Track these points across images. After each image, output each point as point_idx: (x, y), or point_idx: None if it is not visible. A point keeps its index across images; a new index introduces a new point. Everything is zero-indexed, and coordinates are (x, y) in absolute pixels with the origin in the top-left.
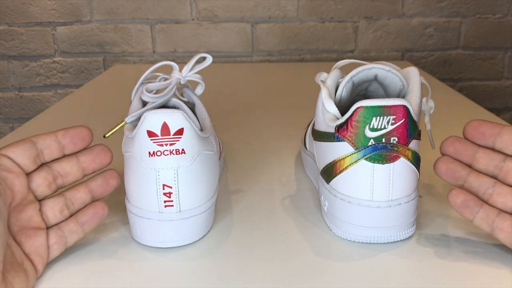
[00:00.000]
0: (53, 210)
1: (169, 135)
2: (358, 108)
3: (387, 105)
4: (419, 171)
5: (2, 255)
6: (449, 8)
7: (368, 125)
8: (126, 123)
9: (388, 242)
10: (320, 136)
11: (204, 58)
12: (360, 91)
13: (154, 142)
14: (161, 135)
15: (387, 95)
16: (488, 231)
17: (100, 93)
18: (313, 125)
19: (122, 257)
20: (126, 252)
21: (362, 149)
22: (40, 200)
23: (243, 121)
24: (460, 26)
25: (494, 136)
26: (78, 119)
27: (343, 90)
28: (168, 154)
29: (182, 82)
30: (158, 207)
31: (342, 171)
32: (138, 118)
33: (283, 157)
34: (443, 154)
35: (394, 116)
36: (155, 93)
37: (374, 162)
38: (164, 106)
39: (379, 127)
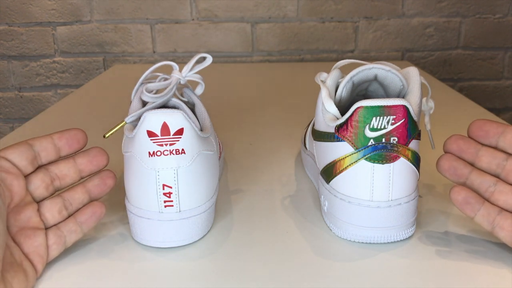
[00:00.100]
0: (52, 210)
1: (169, 135)
2: (358, 108)
3: (387, 105)
4: (419, 171)
5: (1, 255)
6: (449, 8)
7: (368, 125)
8: (126, 123)
9: (388, 242)
10: (320, 136)
11: (204, 58)
12: (360, 91)
13: (154, 142)
14: (161, 135)
15: (387, 95)
16: (488, 229)
17: (100, 93)
18: (313, 125)
19: (122, 257)
20: (126, 252)
21: (362, 149)
22: (38, 202)
23: (243, 121)
24: (460, 26)
25: (498, 135)
26: (78, 119)
27: (343, 90)
28: (168, 154)
29: (182, 82)
30: (158, 207)
31: (342, 171)
32: (138, 118)
33: (283, 157)
34: (446, 152)
35: (394, 116)
36: (155, 93)
37: (374, 162)
38: (164, 106)
39: (379, 127)
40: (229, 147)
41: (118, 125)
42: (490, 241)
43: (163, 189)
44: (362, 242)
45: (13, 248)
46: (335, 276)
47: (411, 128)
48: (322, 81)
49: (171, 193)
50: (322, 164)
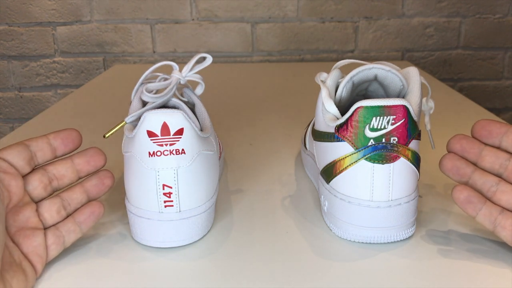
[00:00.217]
0: (50, 211)
1: (169, 135)
2: (358, 108)
3: (387, 105)
4: (419, 171)
5: (0, 255)
6: (449, 8)
7: (368, 125)
8: (126, 123)
9: (388, 242)
10: (320, 136)
11: (204, 58)
12: (360, 91)
13: (154, 142)
14: (161, 135)
15: (387, 95)
16: (490, 228)
17: (100, 93)
18: (313, 125)
19: (121, 257)
20: (125, 252)
21: (362, 149)
22: (36, 202)
23: (243, 121)
24: (460, 26)
25: (501, 135)
26: (78, 119)
27: (343, 90)
28: (168, 154)
29: (182, 82)
30: (158, 207)
31: (342, 171)
32: (138, 118)
33: (283, 157)
34: (449, 152)
35: (394, 116)
36: (155, 93)
37: (374, 162)
38: (164, 106)
39: (379, 127)
40: (229, 147)
41: (118, 125)
42: (491, 241)
43: (163, 189)
44: (362, 242)
45: (12, 248)
46: (335, 276)
47: (411, 128)
48: (322, 81)
49: (171, 193)
50: (322, 164)
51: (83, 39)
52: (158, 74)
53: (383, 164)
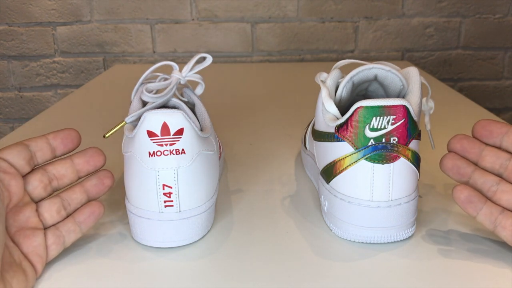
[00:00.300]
0: (50, 210)
1: (169, 135)
2: (358, 108)
3: (387, 105)
4: (419, 171)
5: (0, 255)
6: (449, 8)
7: (368, 125)
8: (126, 123)
9: (388, 242)
10: (320, 136)
11: (204, 58)
12: (360, 91)
13: (154, 142)
14: (161, 135)
15: (387, 95)
16: (490, 228)
17: (100, 93)
18: (313, 125)
19: (121, 257)
20: (125, 252)
21: (362, 149)
22: (36, 202)
23: (243, 121)
24: (460, 26)
25: (502, 135)
26: (78, 119)
27: (343, 90)
28: (168, 154)
29: (182, 82)
30: (158, 207)
31: (342, 171)
32: (138, 118)
33: (283, 157)
34: (449, 151)
35: (394, 116)
36: (155, 93)
37: (374, 162)
38: (164, 106)
39: (379, 127)
40: (229, 147)
41: (118, 125)
42: (491, 241)
43: (163, 189)
44: (362, 242)
45: (12, 248)
46: (335, 276)
47: (411, 128)
48: (322, 81)
49: (171, 193)
50: (322, 164)
51: (83, 39)
52: (158, 74)
53: (383, 164)
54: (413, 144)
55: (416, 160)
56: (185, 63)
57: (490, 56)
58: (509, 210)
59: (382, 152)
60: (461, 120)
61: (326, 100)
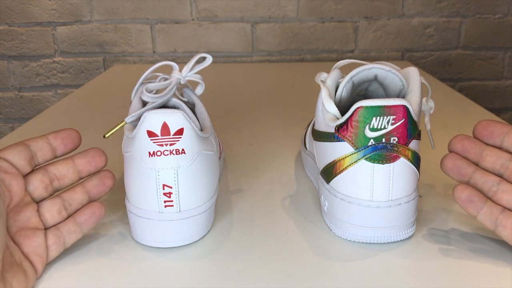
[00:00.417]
0: (51, 211)
1: (169, 135)
2: (358, 108)
3: (387, 105)
4: (419, 171)
5: (1, 255)
6: (449, 8)
7: (368, 125)
8: (126, 123)
9: (388, 242)
10: (320, 136)
11: (204, 58)
12: (360, 91)
13: (154, 142)
14: (161, 135)
15: (387, 95)
16: (491, 228)
17: (100, 93)
18: (313, 125)
19: (121, 257)
20: (126, 252)
21: (362, 149)
22: (37, 202)
23: (243, 121)
24: (460, 26)
25: (502, 135)
26: (78, 119)
27: (343, 90)
28: (168, 154)
29: (182, 82)
30: (158, 207)
31: (342, 171)
32: (138, 118)
33: (283, 157)
34: (450, 151)
35: (394, 116)
36: (155, 93)
37: (374, 162)
38: (164, 106)
39: (379, 127)
40: (229, 147)
41: (118, 125)
42: (492, 240)
43: (163, 189)
44: (362, 242)
45: (12, 248)
46: (335, 276)
47: (411, 128)
48: (322, 81)
49: (171, 193)
50: (322, 164)
51: (83, 39)
52: (158, 74)
53: (383, 164)
54: (413, 144)
55: (416, 160)
56: (185, 63)
57: (490, 56)
58: (509, 209)
59: (382, 152)
60: (461, 120)
61: (326, 100)
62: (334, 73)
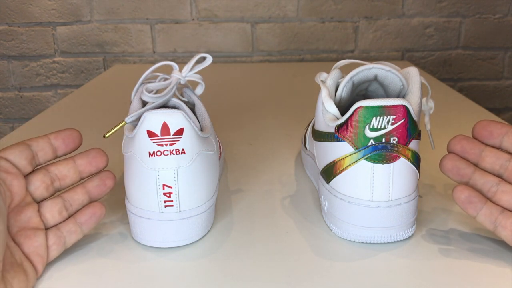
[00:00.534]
0: (52, 211)
1: (169, 135)
2: (358, 108)
3: (387, 105)
4: (419, 171)
5: (2, 255)
6: (449, 8)
7: (368, 125)
8: (126, 123)
9: (388, 242)
10: (320, 136)
11: (204, 58)
12: (360, 91)
13: (154, 142)
14: (161, 135)
15: (387, 95)
16: (490, 228)
17: (100, 93)
18: (313, 125)
19: (121, 257)
20: (126, 252)
21: (362, 149)
22: (38, 202)
23: (243, 121)
24: (460, 26)
25: (502, 135)
26: (78, 119)
27: (343, 90)
28: (168, 154)
29: (182, 82)
30: (158, 207)
31: (342, 171)
32: (138, 118)
33: (283, 157)
34: (449, 152)
35: (394, 116)
36: (155, 93)
37: (374, 162)
38: (164, 106)
39: (379, 127)
40: (229, 147)
41: (118, 125)
42: (491, 240)
43: (163, 189)
44: (362, 242)
45: (13, 248)
46: (335, 276)
47: (411, 128)
48: (322, 81)
49: (171, 193)
50: (322, 164)
51: (83, 39)
52: (158, 74)
53: (383, 164)
54: (413, 144)
55: (416, 160)
56: (185, 63)
57: (490, 56)
58: (509, 210)
59: (382, 152)
60: (461, 120)
61: (326, 100)
62: (334, 73)
